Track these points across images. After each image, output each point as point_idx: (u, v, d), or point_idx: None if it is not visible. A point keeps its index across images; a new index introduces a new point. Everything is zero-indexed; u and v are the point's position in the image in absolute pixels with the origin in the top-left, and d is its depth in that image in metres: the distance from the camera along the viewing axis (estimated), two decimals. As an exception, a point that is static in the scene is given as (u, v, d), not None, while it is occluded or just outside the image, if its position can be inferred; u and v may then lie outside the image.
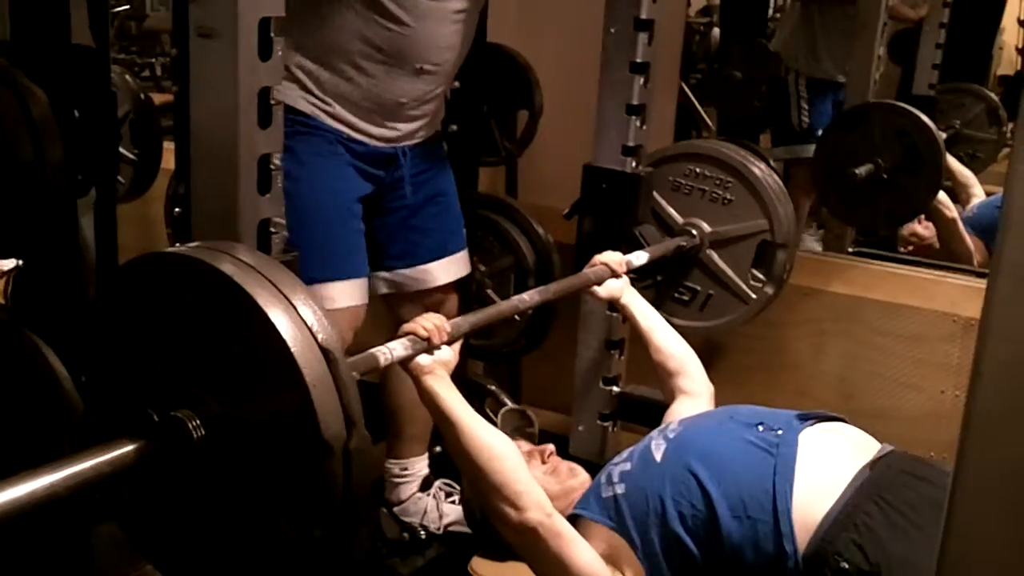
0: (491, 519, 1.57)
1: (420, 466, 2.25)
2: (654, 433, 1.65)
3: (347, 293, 1.93)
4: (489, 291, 2.34)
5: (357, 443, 1.05)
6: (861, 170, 2.93)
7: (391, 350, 1.44)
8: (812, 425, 1.53)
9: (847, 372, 2.67)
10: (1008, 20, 4.99)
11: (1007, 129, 4.10)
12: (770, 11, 4.87)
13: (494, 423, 1.67)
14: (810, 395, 2.70)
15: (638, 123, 2.21)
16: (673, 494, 1.47)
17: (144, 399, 1.12)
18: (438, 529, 2.26)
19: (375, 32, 1.82)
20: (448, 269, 2.10)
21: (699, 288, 2.35)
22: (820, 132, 3.40)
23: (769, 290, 2.30)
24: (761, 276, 2.29)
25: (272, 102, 1.42)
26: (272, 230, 1.47)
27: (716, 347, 2.77)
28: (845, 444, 1.52)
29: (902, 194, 2.96)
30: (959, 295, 2.56)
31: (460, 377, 2.20)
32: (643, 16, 2.14)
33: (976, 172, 3.84)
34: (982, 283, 0.82)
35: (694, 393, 1.86)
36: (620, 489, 1.54)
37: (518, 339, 2.42)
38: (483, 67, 2.34)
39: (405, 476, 2.25)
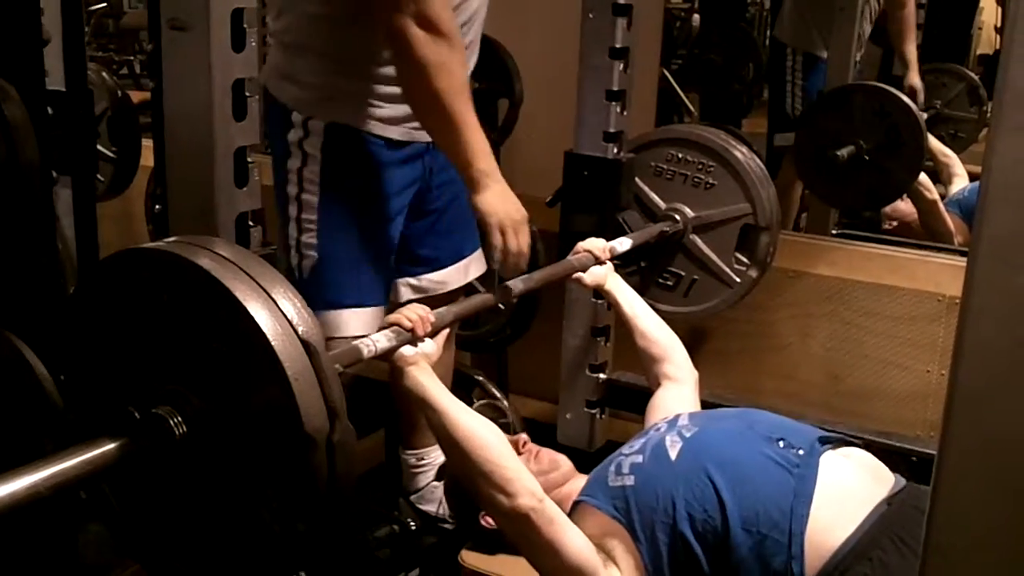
0: (482, 507, 1.56)
1: (435, 455, 2.24)
2: (663, 426, 1.64)
3: (363, 322, 1.85)
4: (474, 282, 2.33)
5: (340, 436, 1.04)
6: (843, 152, 2.93)
7: (375, 341, 1.43)
8: (833, 449, 1.52)
9: (833, 354, 2.68)
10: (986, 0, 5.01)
11: (988, 108, 4.12)
12: (750, -4, 4.88)
13: None
14: (796, 378, 2.71)
15: (618, 109, 2.21)
16: (686, 496, 1.46)
17: (124, 397, 1.11)
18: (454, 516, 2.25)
19: None
20: (468, 270, 2.08)
21: (683, 273, 2.35)
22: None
23: (753, 273, 2.30)
24: (745, 260, 2.29)
25: (247, 94, 1.41)
26: (250, 224, 1.46)
27: (702, 332, 2.77)
28: (864, 475, 1.51)
29: (884, 175, 2.96)
30: (943, 274, 2.56)
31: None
32: (621, 1, 2.13)
33: (957, 152, 3.85)
34: (964, 261, 0.81)
35: (679, 379, 1.86)
36: (630, 481, 1.53)
37: (504, 328, 2.42)
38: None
39: (422, 465, 2.24)
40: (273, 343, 1.01)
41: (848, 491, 1.46)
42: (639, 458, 1.56)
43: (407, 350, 1.48)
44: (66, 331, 1.22)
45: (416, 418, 2.20)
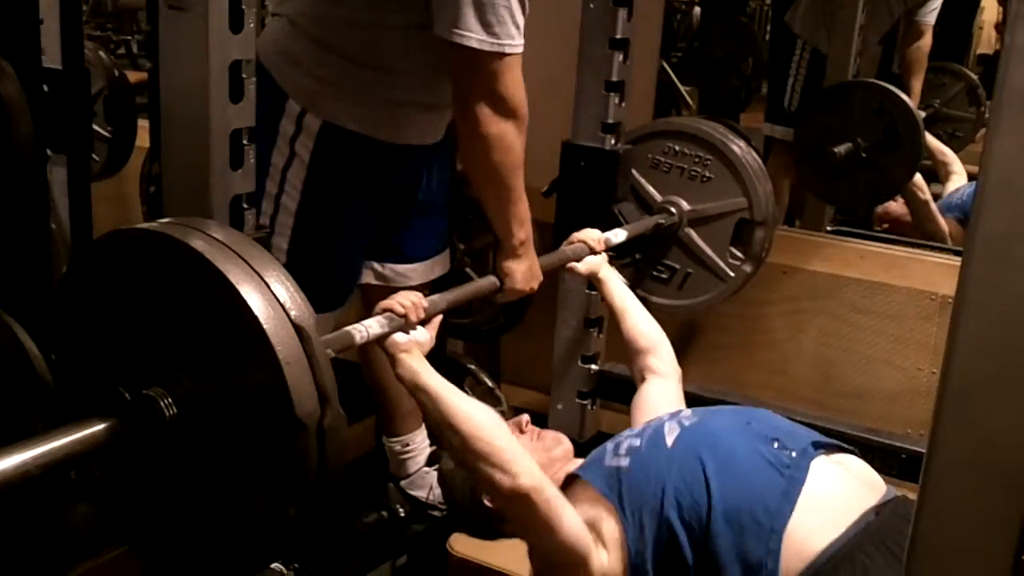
0: (481, 489, 1.56)
1: (420, 439, 2.24)
2: (665, 416, 1.65)
3: (324, 324, 1.87)
4: (468, 269, 2.33)
5: (331, 421, 1.04)
6: (840, 149, 2.93)
7: (367, 327, 1.43)
8: (826, 455, 1.53)
9: (825, 350, 2.68)
10: (987, -1, 5.01)
11: (986, 108, 4.12)
12: (751, -10, 4.87)
13: None
14: (788, 373, 2.71)
15: (617, 100, 2.21)
16: (677, 482, 1.46)
17: (116, 377, 1.11)
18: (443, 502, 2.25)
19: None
20: (432, 269, 2.08)
21: (678, 266, 2.35)
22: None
23: (747, 268, 2.30)
24: (739, 254, 2.29)
25: (244, 76, 1.40)
26: (244, 206, 1.45)
27: (694, 326, 2.77)
28: (854, 482, 1.51)
29: (881, 172, 2.96)
30: (936, 273, 2.57)
31: (440, 356, 2.20)
32: (622, -8, 2.13)
33: (955, 151, 3.85)
34: (959, 261, 0.81)
35: (664, 374, 1.87)
36: (624, 462, 1.54)
37: (497, 317, 2.41)
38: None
39: (408, 451, 2.23)
40: (265, 326, 1.01)
41: (835, 497, 1.46)
42: (637, 441, 1.57)
43: (399, 337, 1.48)
44: (58, 311, 1.21)
45: (396, 405, 2.20)
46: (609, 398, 2.41)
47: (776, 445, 1.50)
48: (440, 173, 2.02)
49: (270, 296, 1.03)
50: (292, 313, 1.03)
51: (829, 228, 3.31)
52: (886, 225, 3.63)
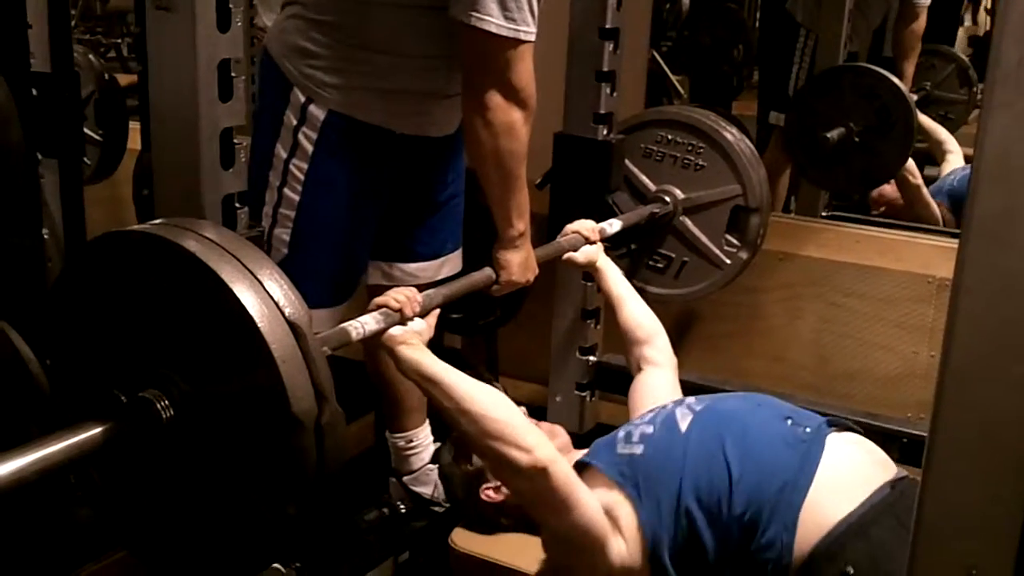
0: (496, 471, 1.56)
1: (424, 435, 2.23)
2: (670, 404, 1.65)
3: (320, 321, 1.78)
4: (462, 263, 2.33)
5: (329, 418, 1.04)
6: (832, 134, 2.92)
7: (363, 324, 1.43)
8: (838, 432, 1.54)
9: (822, 335, 2.68)
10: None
11: (977, 90, 4.12)
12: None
13: None
14: (786, 359, 2.71)
15: (608, 90, 2.20)
16: (695, 467, 1.47)
17: (111, 380, 1.10)
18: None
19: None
20: (442, 269, 2.06)
21: (673, 255, 2.35)
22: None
23: (743, 255, 2.29)
24: (735, 241, 2.29)
25: (233, 75, 1.39)
26: (237, 205, 1.44)
27: (691, 314, 2.77)
28: (868, 458, 1.53)
29: (874, 157, 2.96)
30: (933, 256, 2.57)
31: (437, 350, 2.20)
32: (611, -19, 2.12)
33: (950, 132, 3.85)
34: (955, 243, 0.81)
35: (660, 364, 1.87)
36: (639, 450, 1.54)
37: (494, 310, 2.41)
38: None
39: (413, 448, 2.22)
40: (260, 325, 1.00)
41: (851, 471, 1.47)
42: (649, 428, 1.57)
43: (396, 330, 1.47)
44: (52, 314, 1.21)
45: (400, 401, 2.19)
46: (608, 389, 2.41)
47: (790, 423, 1.52)
48: (454, 167, 1.98)
49: (264, 294, 1.02)
50: (287, 311, 1.02)
51: (824, 214, 3.31)
52: (883, 208, 3.63)
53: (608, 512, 1.49)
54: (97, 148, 2.77)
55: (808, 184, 3.35)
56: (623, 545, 1.48)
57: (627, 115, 2.35)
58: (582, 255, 1.96)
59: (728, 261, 2.30)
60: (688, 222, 2.31)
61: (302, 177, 1.75)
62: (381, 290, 2.04)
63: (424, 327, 1.51)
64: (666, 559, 1.48)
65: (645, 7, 2.85)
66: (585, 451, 1.67)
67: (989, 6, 5.17)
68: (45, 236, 2.11)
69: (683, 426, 1.54)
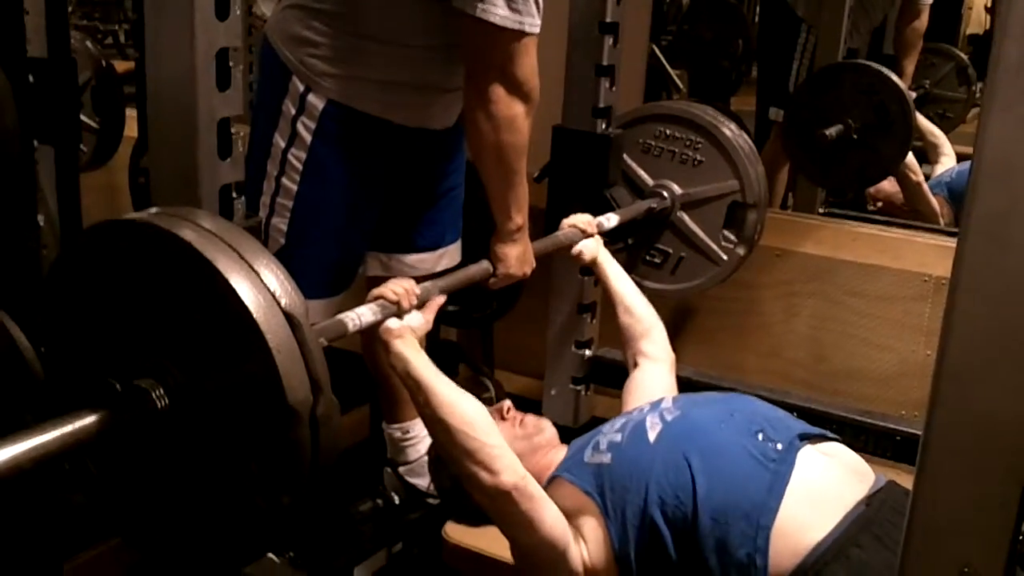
0: (463, 483, 1.56)
1: (421, 427, 2.23)
2: (646, 407, 1.64)
3: (316, 312, 1.76)
4: (459, 257, 2.32)
5: (324, 409, 1.03)
6: (831, 131, 2.92)
7: (359, 315, 1.43)
8: (812, 444, 1.52)
9: (818, 333, 2.68)
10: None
11: (976, 89, 4.11)
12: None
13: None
14: (781, 356, 2.71)
15: (607, 84, 2.20)
16: (660, 479, 1.46)
17: (106, 368, 1.10)
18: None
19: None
20: (440, 260, 2.06)
21: (671, 251, 2.34)
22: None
23: (740, 251, 2.29)
24: (732, 237, 2.29)
25: (231, 64, 1.38)
26: (234, 195, 1.44)
27: (688, 309, 2.77)
28: (843, 473, 1.50)
29: (872, 154, 2.96)
30: (930, 254, 2.57)
31: (433, 342, 2.19)
32: (612, -25, 2.11)
33: (946, 132, 3.85)
34: (953, 242, 0.81)
35: (657, 359, 1.87)
36: (606, 459, 1.54)
37: (490, 304, 2.41)
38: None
39: (409, 439, 2.22)
40: (255, 315, 1.00)
41: (824, 490, 1.45)
42: (618, 437, 1.56)
43: (392, 323, 1.47)
44: (47, 302, 1.20)
45: (398, 392, 2.18)
46: (603, 384, 2.41)
47: (761, 437, 1.49)
48: (454, 160, 1.98)
49: (260, 284, 1.02)
50: (283, 302, 1.02)
51: (822, 210, 3.31)
52: (879, 204, 3.63)
53: (573, 522, 1.50)
54: (93, 135, 2.76)
55: (805, 181, 3.35)
56: (587, 553, 1.49)
57: (626, 109, 2.35)
58: (587, 251, 1.96)
59: (725, 257, 2.30)
60: (686, 217, 2.31)
61: (300, 167, 1.75)
62: (379, 281, 2.04)
63: (421, 322, 1.51)
64: (634, 569, 1.48)
65: (646, 1, 2.84)
66: (566, 448, 1.67)
67: (989, 4, 5.16)
68: (40, 223, 2.11)
69: (652, 436, 1.53)
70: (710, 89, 4.33)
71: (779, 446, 1.48)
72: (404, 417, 2.21)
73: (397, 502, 2.24)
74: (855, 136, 2.93)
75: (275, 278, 1.03)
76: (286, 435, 1.02)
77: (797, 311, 2.70)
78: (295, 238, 1.77)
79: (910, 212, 3.47)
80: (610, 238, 2.12)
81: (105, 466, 1.20)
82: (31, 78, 1.94)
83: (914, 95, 3.16)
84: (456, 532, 1.92)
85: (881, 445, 2.09)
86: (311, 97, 1.72)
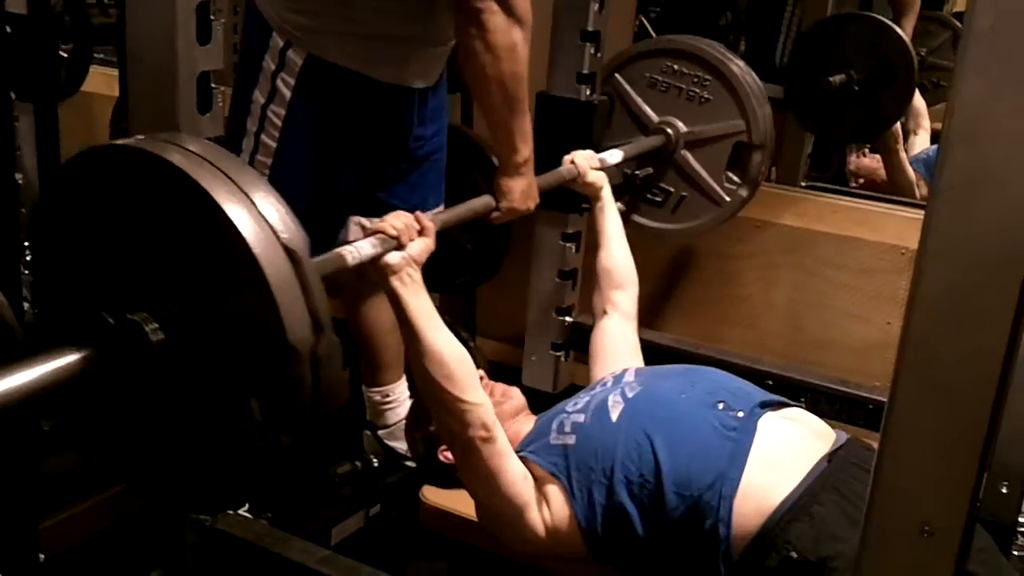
0: (438, 430, 1.58)
1: (401, 390, 2.24)
2: (609, 381, 1.66)
3: None
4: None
5: (326, 348, 1.01)
6: (835, 79, 2.89)
7: (359, 248, 1.41)
8: (773, 411, 1.54)
9: (796, 304, 2.70)
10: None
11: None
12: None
13: None
14: (758, 327, 2.73)
15: (592, 50, 2.18)
16: (624, 459, 1.48)
17: (98, 303, 1.06)
18: None
19: None
20: None
21: (672, 189, 2.31)
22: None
23: (743, 193, 2.27)
24: (736, 178, 2.26)
25: (212, 17, 1.37)
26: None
27: (667, 278, 2.78)
28: (804, 433, 1.52)
29: (873, 106, 2.93)
30: (907, 228, 2.58)
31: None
32: (599, -62, 2.10)
33: (941, 100, 3.82)
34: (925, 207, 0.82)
35: (626, 314, 1.89)
36: (570, 440, 1.55)
37: (472, 269, 2.41)
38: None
39: (389, 402, 2.23)
40: (254, 249, 0.97)
41: (786, 452, 1.47)
42: (581, 417, 1.58)
43: (392, 257, 1.46)
44: (35, 236, 1.17)
45: (379, 355, 2.19)
46: (583, 350, 2.41)
47: (721, 407, 1.51)
48: (436, 121, 1.96)
49: (258, 216, 0.99)
50: (283, 235, 0.99)
51: (803, 183, 3.31)
52: (861, 181, 3.64)
53: (542, 501, 1.52)
54: (62, 65, 2.72)
55: (788, 154, 3.34)
56: (550, 519, 1.52)
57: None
58: (592, 175, 1.96)
59: (727, 198, 2.27)
60: (689, 156, 2.28)
61: (279, 123, 1.74)
62: None
63: (422, 247, 1.49)
64: (601, 544, 1.51)
65: (632, -30, 2.83)
66: (535, 419, 1.69)
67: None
68: (19, 182, 2.09)
69: (614, 415, 1.54)
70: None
71: (740, 414, 1.49)
72: (384, 381, 2.22)
73: (376, 465, 2.25)
74: (857, 88, 2.91)
75: (275, 210, 1.00)
76: (286, 373, 0.99)
77: (776, 282, 2.72)
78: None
79: (891, 189, 3.48)
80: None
81: (99, 405, 1.16)
82: (8, 29, 1.91)
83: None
84: (433, 495, 1.94)
85: (855, 414, 2.11)
86: (291, 52, 1.71)
